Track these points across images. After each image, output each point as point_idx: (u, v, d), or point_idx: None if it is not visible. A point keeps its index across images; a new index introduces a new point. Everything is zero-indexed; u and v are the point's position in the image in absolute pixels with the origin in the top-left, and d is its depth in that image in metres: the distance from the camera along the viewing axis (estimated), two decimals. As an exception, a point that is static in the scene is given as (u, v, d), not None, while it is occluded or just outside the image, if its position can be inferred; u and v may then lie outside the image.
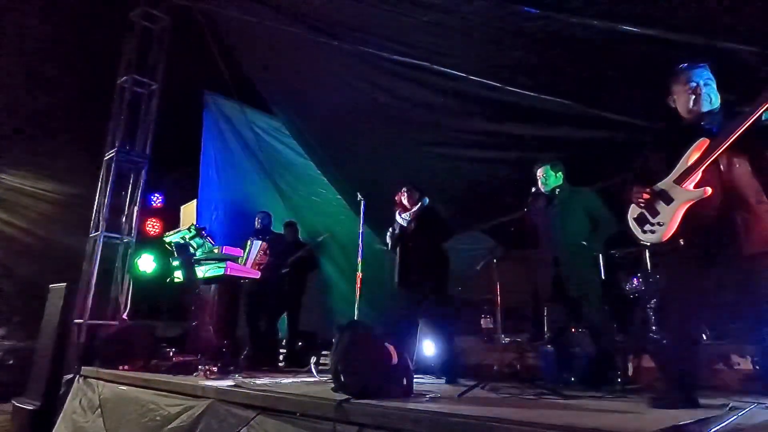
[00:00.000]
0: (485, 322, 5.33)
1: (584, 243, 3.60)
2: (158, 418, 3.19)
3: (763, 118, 2.13)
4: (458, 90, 4.81)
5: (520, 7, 3.86)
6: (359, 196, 4.56)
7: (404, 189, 4.27)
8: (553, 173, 3.81)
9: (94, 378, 4.28)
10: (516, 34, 4.16)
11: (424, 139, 5.68)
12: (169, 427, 3.04)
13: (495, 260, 4.38)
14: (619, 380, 3.38)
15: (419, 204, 4.20)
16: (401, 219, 4.25)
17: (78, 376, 4.55)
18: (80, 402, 4.24)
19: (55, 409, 4.57)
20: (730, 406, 2.23)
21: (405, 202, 4.24)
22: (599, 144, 4.50)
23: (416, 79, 4.98)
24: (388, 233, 4.28)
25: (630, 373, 3.70)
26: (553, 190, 3.79)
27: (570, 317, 3.67)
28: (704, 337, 3.49)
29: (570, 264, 3.56)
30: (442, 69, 4.68)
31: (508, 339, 4.83)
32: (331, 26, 5.09)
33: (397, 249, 4.20)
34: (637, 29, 3.54)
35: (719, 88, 2.47)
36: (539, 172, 3.84)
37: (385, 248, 4.41)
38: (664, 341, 2.92)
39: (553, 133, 4.77)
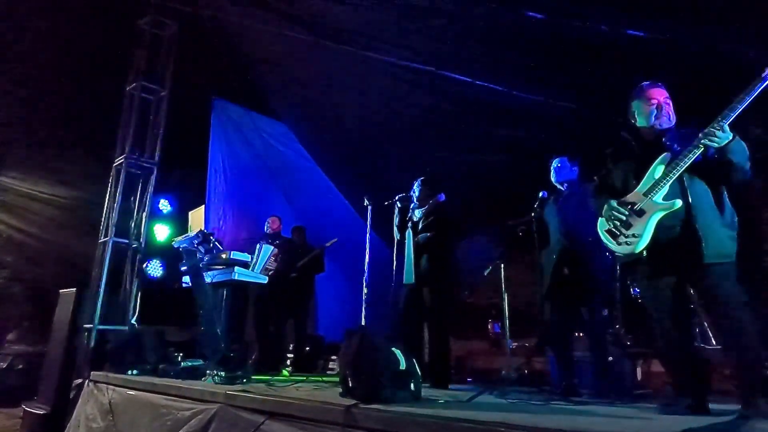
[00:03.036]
0: (493, 327, 5.33)
1: (590, 240, 3.55)
2: (169, 422, 3.20)
3: (709, 153, 2.32)
4: (465, 94, 4.83)
5: (525, 12, 3.89)
6: (366, 201, 4.57)
7: (418, 181, 4.26)
8: (570, 165, 3.77)
9: (103, 383, 4.30)
10: (521, 39, 4.18)
11: (432, 143, 5.70)
12: (181, 431, 3.06)
13: (502, 265, 4.38)
14: (607, 387, 3.31)
15: (434, 200, 4.15)
16: (414, 214, 4.23)
17: (88, 380, 4.58)
18: (91, 407, 4.26)
19: (66, 414, 4.60)
20: (740, 412, 2.22)
21: (416, 196, 4.22)
22: (606, 146, 4.50)
23: (423, 84, 5.01)
24: (396, 221, 4.26)
25: (639, 378, 3.68)
26: (562, 183, 3.75)
27: (572, 320, 3.60)
28: (713, 342, 3.47)
29: (574, 263, 3.49)
30: (449, 74, 4.70)
31: (516, 343, 4.82)
32: (338, 32, 5.13)
33: (405, 242, 4.14)
34: (643, 33, 3.55)
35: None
36: (555, 162, 3.78)
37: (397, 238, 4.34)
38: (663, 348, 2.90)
39: (559, 136, 4.78)
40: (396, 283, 4.19)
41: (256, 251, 4.64)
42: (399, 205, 4.30)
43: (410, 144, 5.90)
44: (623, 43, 3.66)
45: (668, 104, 2.56)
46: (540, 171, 3.96)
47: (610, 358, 3.76)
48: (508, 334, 4.29)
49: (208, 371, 3.95)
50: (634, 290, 4.29)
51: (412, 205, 4.26)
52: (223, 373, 3.78)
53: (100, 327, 5.25)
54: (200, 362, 4.57)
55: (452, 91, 4.90)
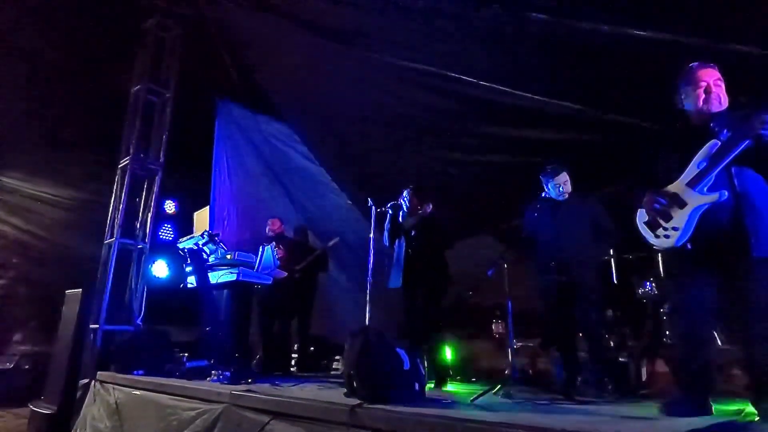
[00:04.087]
0: (497, 327, 5.33)
1: (588, 249, 3.60)
2: (175, 422, 3.23)
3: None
4: (468, 95, 4.83)
5: (528, 13, 3.89)
6: (370, 201, 4.58)
7: (408, 191, 4.36)
8: (566, 174, 3.77)
9: (110, 383, 4.34)
10: (525, 39, 4.18)
11: (436, 144, 5.71)
12: (186, 431, 3.08)
13: (506, 265, 4.37)
14: (612, 387, 3.33)
15: (422, 210, 4.30)
16: (405, 221, 4.35)
17: (94, 380, 4.62)
18: (97, 407, 4.30)
19: (72, 414, 4.63)
20: (744, 412, 2.22)
21: (406, 205, 4.34)
22: (608, 148, 4.50)
23: (426, 84, 5.01)
24: (387, 228, 4.36)
25: (643, 378, 3.67)
26: (559, 192, 3.75)
27: (574, 321, 3.65)
28: (719, 342, 3.46)
29: (573, 270, 3.53)
30: (452, 74, 4.71)
31: (520, 344, 4.82)
32: (342, 34, 5.14)
33: (395, 248, 4.30)
34: (648, 33, 3.54)
35: (730, 91, 2.46)
36: (560, 179, 3.73)
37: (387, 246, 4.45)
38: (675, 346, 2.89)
39: (562, 136, 4.78)
40: (391, 287, 4.30)
41: (259, 253, 4.65)
42: (391, 213, 4.38)
43: (414, 145, 5.90)
44: (628, 44, 3.65)
45: (719, 86, 2.38)
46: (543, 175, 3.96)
47: (622, 359, 3.79)
48: (512, 334, 4.29)
49: (213, 371, 3.98)
50: (639, 291, 4.30)
51: (401, 213, 4.38)
52: (227, 373, 3.80)
53: (106, 327, 5.28)
54: (205, 362, 4.59)
55: (456, 92, 4.90)
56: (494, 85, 4.63)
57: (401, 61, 4.92)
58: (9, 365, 8.17)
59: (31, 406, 5.00)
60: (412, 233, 4.27)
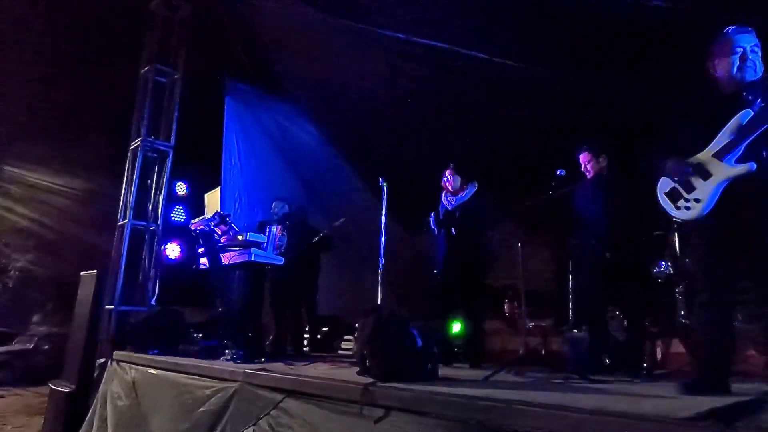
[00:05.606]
0: (509, 307, 5.32)
1: (629, 227, 3.55)
2: (191, 400, 3.26)
3: None
4: (482, 72, 4.74)
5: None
6: (381, 181, 4.54)
7: (449, 171, 4.29)
8: (596, 156, 3.71)
9: (126, 362, 4.40)
10: (538, 13, 4.07)
11: (447, 123, 5.63)
12: (202, 409, 3.12)
13: (519, 244, 4.34)
14: (645, 365, 3.34)
15: (467, 189, 4.24)
16: (446, 201, 4.28)
17: (111, 360, 4.69)
18: (116, 385, 4.37)
19: (90, 392, 4.73)
20: (764, 392, 2.18)
21: (449, 185, 4.28)
22: (627, 126, 4.40)
23: (440, 62, 4.92)
24: (431, 217, 4.31)
25: (659, 358, 3.65)
26: (591, 172, 3.71)
27: (608, 301, 3.62)
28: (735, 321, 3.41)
29: (616, 248, 3.48)
30: (467, 51, 4.61)
31: (533, 324, 4.81)
32: (354, 10, 5.04)
33: (442, 232, 4.24)
34: (669, 4, 3.43)
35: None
36: (582, 158, 3.69)
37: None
38: (693, 325, 2.83)
39: (576, 115, 4.68)
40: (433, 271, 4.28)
41: (266, 234, 4.66)
42: (432, 216, 4.31)
43: (425, 123, 5.83)
44: (647, 15, 3.53)
45: (755, 53, 2.24)
46: (558, 149, 3.89)
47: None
48: (524, 313, 4.28)
49: (226, 351, 4.01)
50: (656, 269, 4.24)
51: (443, 194, 4.32)
52: (241, 353, 3.83)
53: (121, 308, 5.34)
54: (218, 342, 4.63)
55: (469, 69, 4.81)
56: (508, 62, 4.53)
57: (413, 38, 4.82)
58: (29, 346, 8.39)
59: (50, 385, 5.11)
60: (457, 214, 4.21)
